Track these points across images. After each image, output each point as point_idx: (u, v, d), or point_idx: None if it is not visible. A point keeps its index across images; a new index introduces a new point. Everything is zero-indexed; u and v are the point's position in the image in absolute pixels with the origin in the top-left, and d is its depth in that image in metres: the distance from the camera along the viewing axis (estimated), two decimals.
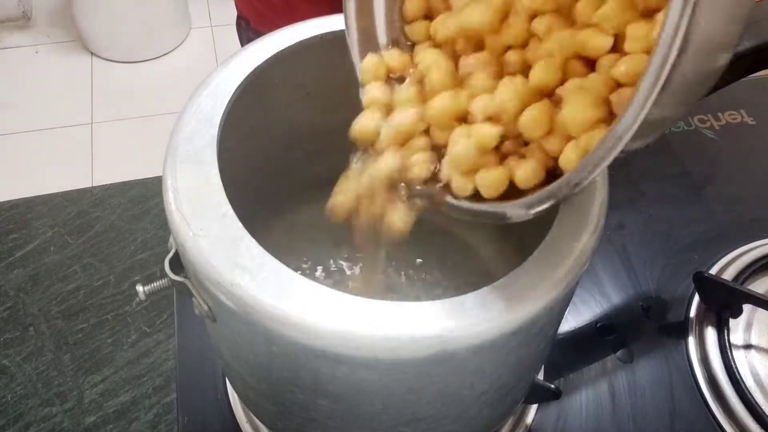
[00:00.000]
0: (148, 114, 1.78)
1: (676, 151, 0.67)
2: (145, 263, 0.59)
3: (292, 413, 0.37)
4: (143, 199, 0.63)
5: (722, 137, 0.68)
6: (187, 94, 0.34)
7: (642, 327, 0.55)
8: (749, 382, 0.51)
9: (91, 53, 1.92)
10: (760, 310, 0.54)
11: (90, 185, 0.67)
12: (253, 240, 0.29)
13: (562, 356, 0.53)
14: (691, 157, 0.67)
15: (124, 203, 0.63)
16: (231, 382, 0.48)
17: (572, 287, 0.30)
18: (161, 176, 0.31)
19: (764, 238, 0.60)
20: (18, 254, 0.59)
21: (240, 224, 0.29)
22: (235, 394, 0.49)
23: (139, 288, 0.33)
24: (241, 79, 0.35)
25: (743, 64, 0.40)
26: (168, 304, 0.56)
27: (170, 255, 0.31)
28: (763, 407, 0.49)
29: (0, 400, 0.51)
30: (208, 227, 0.29)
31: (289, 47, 0.37)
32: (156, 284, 0.33)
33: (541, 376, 0.51)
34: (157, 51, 1.92)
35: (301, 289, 0.27)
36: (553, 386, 0.47)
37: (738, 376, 0.50)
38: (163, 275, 0.31)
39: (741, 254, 0.58)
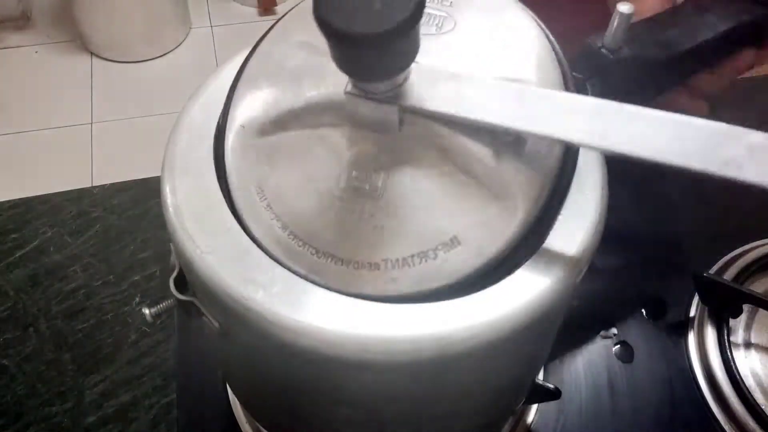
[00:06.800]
0: (148, 114, 1.78)
1: None
2: (145, 263, 0.59)
3: (309, 424, 0.36)
4: (143, 199, 0.63)
5: None
6: (187, 94, 0.34)
7: (642, 327, 0.55)
8: (749, 382, 0.51)
9: (91, 53, 1.92)
10: (760, 310, 0.54)
11: (90, 185, 0.67)
12: (262, 252, 0.28)
13: (562, 356, 0.53)
14: None
15: (124, 203, 0.63)
16: (239, 398, 0.48)
17: (573, 288, 0.30)
18: (161, 176, 0.31)
19: (764, 238, 0.60)
20: (18, 254, 0.59)
21: (247, 237, 0.28)
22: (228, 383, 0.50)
23: (145, 311, 0.32)
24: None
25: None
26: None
27: (174, 274, 0.30)
28: (763, 407, 0.49)
29: (0, 400, 0.51)
30: (214, 243, 0.28)
31: None
32: (162, 305, 0.32)
33: (541, 376, 0.51)
34: (157, 51, 1.92)
35: (316, 298, 0.27)
36: (553, 386, 0.47)
37: (738, 376, 0.50)
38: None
39: (741, 254, 0.58)
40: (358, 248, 0.27)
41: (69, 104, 1.80)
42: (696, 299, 0.56)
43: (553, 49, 0.30)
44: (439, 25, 0.30)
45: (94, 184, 0.65)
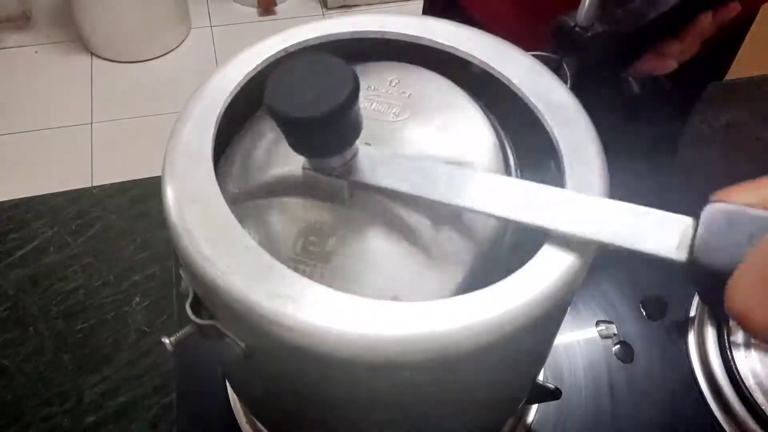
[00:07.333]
0: (148, 114, 1.78)
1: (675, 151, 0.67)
2: (145, 263, 0.59)
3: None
4: (143, 199, 0.63)
5: (722, 137, 0.68)
6: (187, 94, 0.34)
7: (642, 327, 0.55)
8: (749, 382, 0.51)
9: (91, 53, 1.92)
10: None
11: (90, 185, 0.67)
12: (284, 266, 0.28)
13: (562, 356, 0.53)
14: (691, 156, 0.67)
15: (124, 203, 0.63)
16: (258, 416, 0.47)
17: (573, 289, 0.30)
18: (161, 177, 0.31)
19: None
20: (18, 254, 0.59)
21: (266, 252, 0.28)
22: (235, 394, 0.49)
23: (165, 340, 0.32)
24: (220, 109, 0.33)
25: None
26: (168, 304, 0.56)
27: (189, 300, 0.30)
28: (763, 407, 0.49)
29: (0, 400, 0.51)
30: (235, 263, 0.28)
31: (258, 66, 0.35)
32: (181, 333, 0.31)
33: (541, 376, 0.51)
34: (157, 51, 1.92)
35: (349, 305, 0.27)
36: (553, 386, 0.47)
37: (738, 376, 0.50)
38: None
39: None
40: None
41: (69, 104, 1.80)
42: (696, 299, 0.55)
43: (499, 138, 0.34)
44: (396, 113, 0.34)
45: (94, 184, 0.65)
